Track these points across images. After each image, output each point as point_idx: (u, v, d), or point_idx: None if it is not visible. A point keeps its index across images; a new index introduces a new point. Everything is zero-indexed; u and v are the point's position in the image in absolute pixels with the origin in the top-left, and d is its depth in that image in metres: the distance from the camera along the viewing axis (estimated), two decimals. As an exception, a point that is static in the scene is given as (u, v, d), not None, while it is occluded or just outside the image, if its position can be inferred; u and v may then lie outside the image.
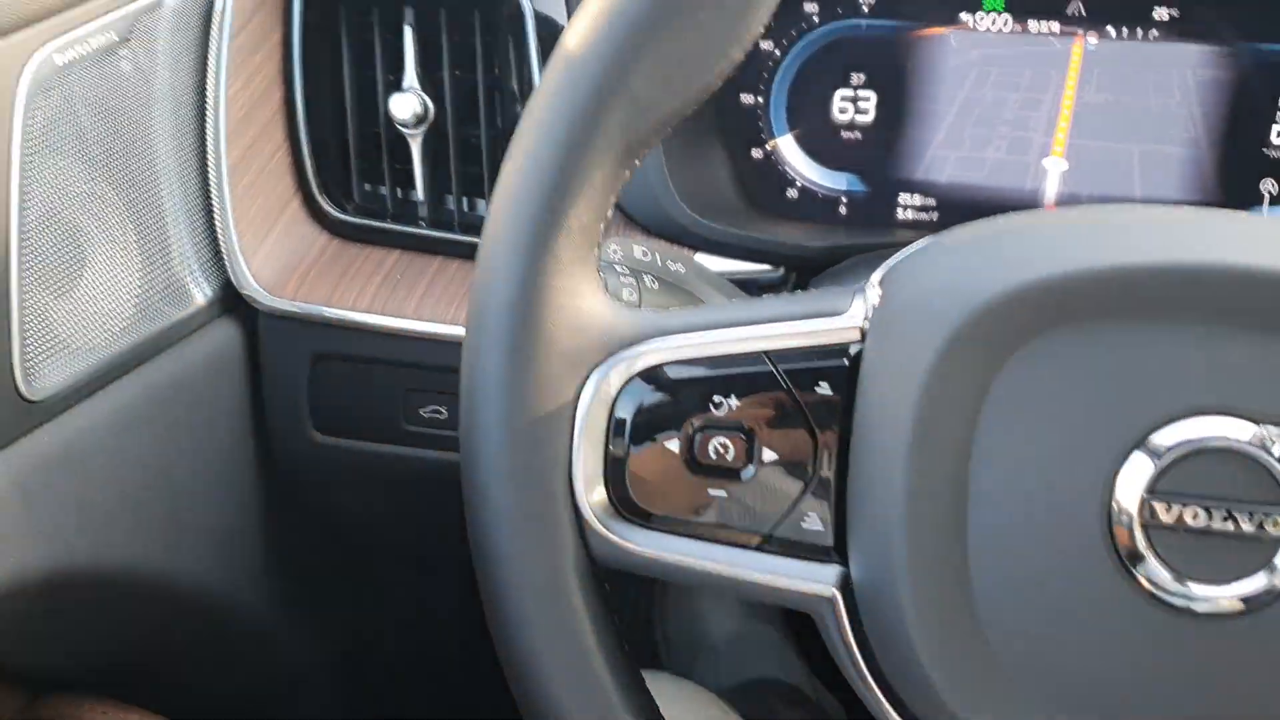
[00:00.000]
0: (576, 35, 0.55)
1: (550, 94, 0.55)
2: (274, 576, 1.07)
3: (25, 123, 0.74)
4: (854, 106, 0.92)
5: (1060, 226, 0.55)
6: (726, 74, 0.56)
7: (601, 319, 0.58)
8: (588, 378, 0.57)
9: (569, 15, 0.90)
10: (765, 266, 0.92)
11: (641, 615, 1.39)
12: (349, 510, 1.09)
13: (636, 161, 0.57)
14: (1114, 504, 0.52)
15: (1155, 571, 0.52)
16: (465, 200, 0.96)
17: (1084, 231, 0.54)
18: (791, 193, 0.95)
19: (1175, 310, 0.51)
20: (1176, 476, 0.51)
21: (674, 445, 0.58)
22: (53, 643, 0.89)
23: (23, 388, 0.76)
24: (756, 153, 0.95)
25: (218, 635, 1.06)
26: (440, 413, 0.95)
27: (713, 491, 0.58)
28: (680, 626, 1.41)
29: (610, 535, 0.58)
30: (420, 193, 0.96)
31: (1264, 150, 0.89)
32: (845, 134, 0.93)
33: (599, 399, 0.57)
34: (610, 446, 0.58)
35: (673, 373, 0.58)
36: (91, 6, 0.79)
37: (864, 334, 0.56)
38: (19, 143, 0.74)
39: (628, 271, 0.73)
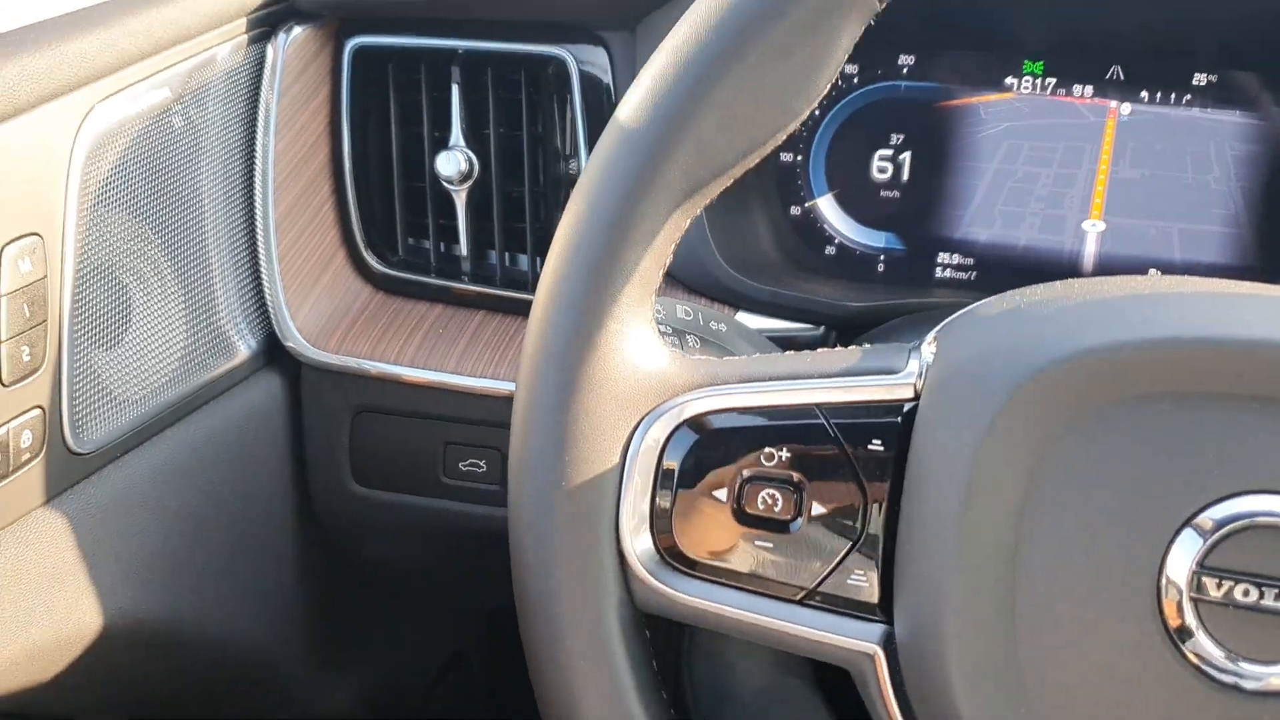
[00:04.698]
0: (645, 83, 0.56)
1: (616, 140, 0.56)
2: (310, 626, 1.07)
3: (83, 178, 0.75)
4: (893, 166, 0.93)
5: (1121, 296, 0.55)
6: (791, 128, 0.57)
7: (656, 365, 0.58)
8: (640, 423, 0.58)
9: (613, 74, 0.91)
10: (805, 325, 0.92)
11: (668, 666, 1.38)
12: (386, 562, 1.09)
13: (697, 210, 0.57)
14: (1164, 578, 0.52)
15: (1204, 647, 0.51)
16: (508, 255, 0.97)
17: (1145, 303, 0.54)
18: (830, 250, 0.95)
19: (1230, 385, 0.51)
20: (1227, 552, 0.51)
21: (722, 495, 0.58)
22: (89, 694, 0.90)
23: (70, 440, 0.77)
24: (795, 210, 0.95)
25: (253, 685, 1.06)
26: (479, 466, 0.96)
27: (759, 543, 0.58)
28: (707, 678, 1.40)
29: (654, 582, 0.58)
30: (464, 248, 0.97)
31: None
32: (884, 193, 0.94)
33: (649, 444, 0.58)
34: (658, 493, 0.58)
35: (724, 422, 0.58)
36: (146, 64, 0.81)
37: (918, 392, 0.56)
38: (76, 198, 0.75)
39: (670, 331, 0.74)
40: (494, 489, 0.96)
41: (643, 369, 0.58)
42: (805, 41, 0.55)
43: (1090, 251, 0.92)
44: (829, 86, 0.57)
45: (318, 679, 1.13)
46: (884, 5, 0.56)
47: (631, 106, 0.56)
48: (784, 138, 0.57)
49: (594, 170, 0.57)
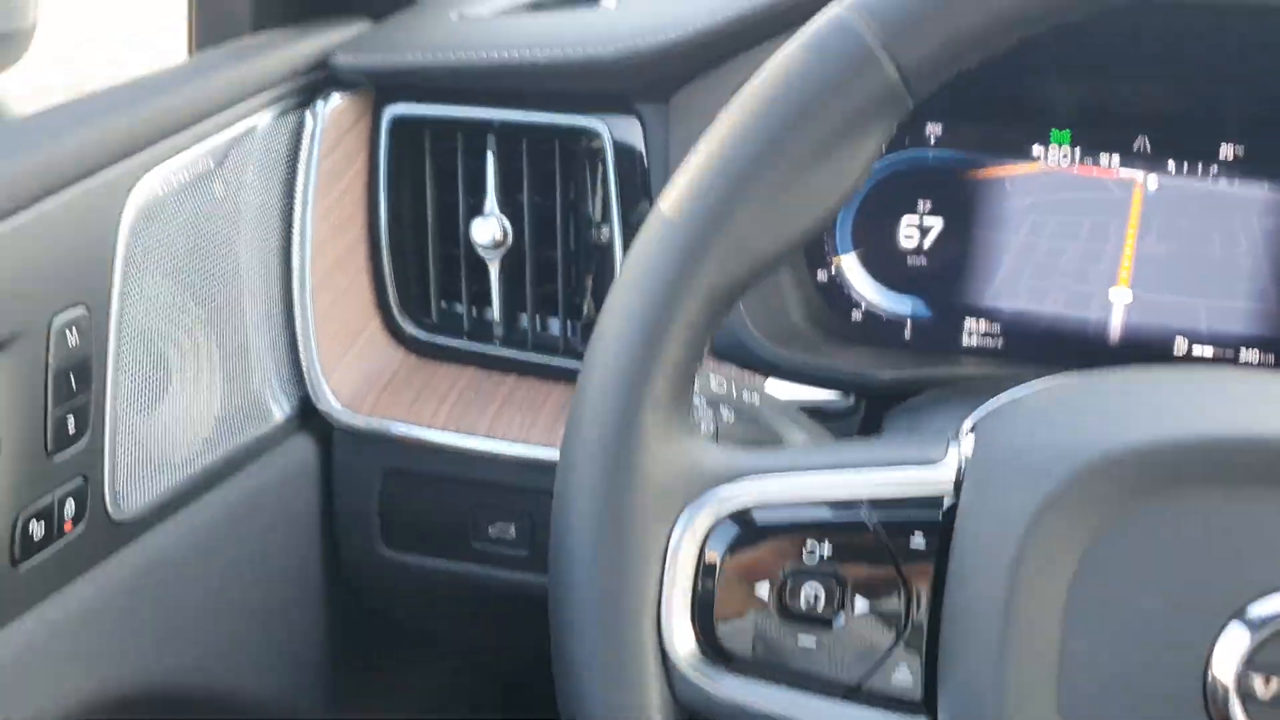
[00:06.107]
0: (685, 179, 0.57)
1: (656, 235, 0.57)
2: (339, 690, 1.07)
3: (128, 248, 0.76)
4: (919, 233, 0.94)
5: (1161, 389, 0.55)
6: (827, 223, 0.58)
7: (695, 457, 0.59)
8: (679, 516, 0.58)
9: (646, 144, 0.92)
10: (835, 394, 0.93)
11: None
12: (415, 625, 1.09)
13: (734, 302, 0.58)
14: (1210, 676, 0.52)
15: None
16: (539, 320, 0.98)
17: (1185, 396, 0.55)
18: (856, 315, 0.96)
19: (1273, 481, 0.52)
20: (1276, 649, 0.51)
21: (764, 591, 0.58)
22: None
23: (110, 508, 0.78)
24: (821, 275, 0.96)
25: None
26: (508, 531, 0.96)
27: (802, 639, 0.58)
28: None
29: (696, 679, 0.58)
30: (496, 312, 0.97)
31: None
32: (911, 259, 0.94)
33: (689, 538, 0.58)
34: (699, 588, 0.58)
35: (765, 516, 0.58)
36: (189, 134, 0.82)
37: (958, 486, 0.56)
38: (121, 268, 0.76)
39: (704, 404, 0.74)
40: (523, 554, 0.96)
41: (681, 461, 0.58)
42: (842, 140, 0.56)
43: (1117, 323, 0.92)
44: (865, 179, 0.58)
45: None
46: (915, 104, 0.57)
47: (671, 202, 0.57)
48: (819, 232, 0.58)
49: (634, 264, 0.57)
